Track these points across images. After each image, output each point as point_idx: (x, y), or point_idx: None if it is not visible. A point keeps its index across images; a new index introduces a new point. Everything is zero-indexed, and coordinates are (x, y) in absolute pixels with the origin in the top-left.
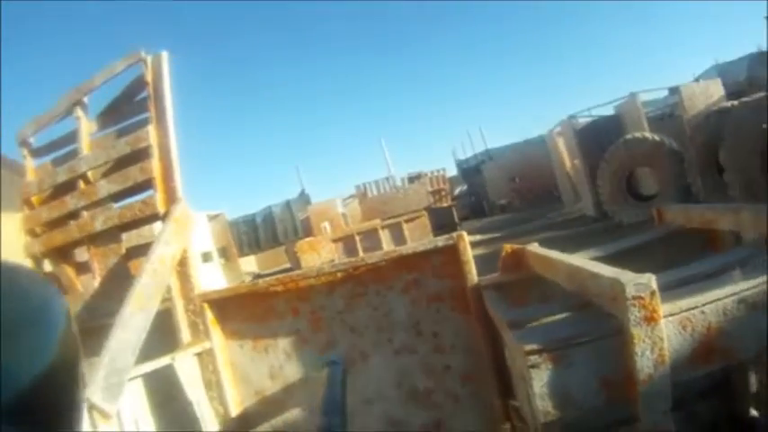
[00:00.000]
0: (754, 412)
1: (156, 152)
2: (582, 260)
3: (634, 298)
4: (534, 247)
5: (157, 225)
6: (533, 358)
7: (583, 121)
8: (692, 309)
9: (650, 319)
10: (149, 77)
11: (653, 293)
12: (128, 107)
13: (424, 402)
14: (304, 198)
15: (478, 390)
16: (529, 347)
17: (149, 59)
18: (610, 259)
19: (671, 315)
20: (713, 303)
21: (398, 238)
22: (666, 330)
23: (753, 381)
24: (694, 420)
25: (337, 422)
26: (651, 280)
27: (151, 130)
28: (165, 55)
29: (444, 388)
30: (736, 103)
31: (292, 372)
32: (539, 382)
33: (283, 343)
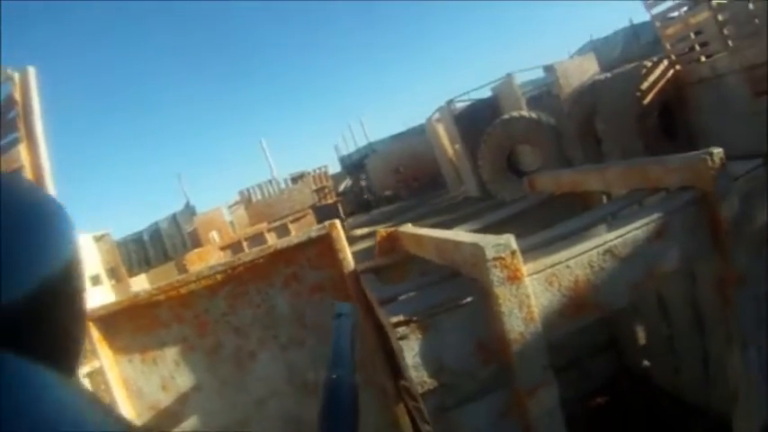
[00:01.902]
0: (645, 362)
1: (28, 173)
2: (448, 233)
3: (494, 259)
4: (407, 228)
5: None
6: (402, 330)
7: (461, 105)
8: (557, 264)
9: (514, 278)
10: (18, 95)
11: (513, 253)
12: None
13: (317, 394)
14: (190, 210)
15: (370, 375)
16: (396, 319)
17: (17, 77)
18: (485, 230)
19: (535, 273)
20: (578, 257)
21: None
22: (532, 288)
23: (641, 334)
24: (590, 377)
25: (344, 374)
26: (510, 240)
27: (22, 149)
28: (32, 71)
29: None
30: (608, 75)
31: (183, 380)
32: (410, 352)
33: (171, 352)
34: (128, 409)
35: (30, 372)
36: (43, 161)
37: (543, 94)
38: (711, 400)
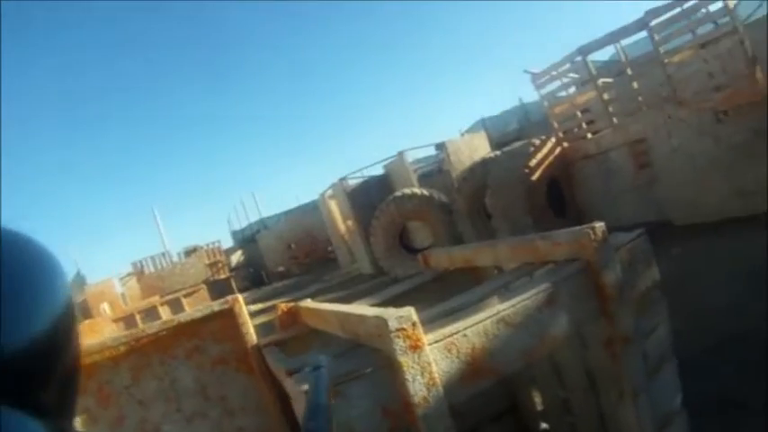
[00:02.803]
0: (544, 425)
1: None
2: (350, 307)
3: (397, 330)
4: (307, 303)
5: None
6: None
7: (354, 182)
8: (455, 333)
9: (415, 347)
10: None
11: (414, 324)
12: None
13: None
14: (80, 279)
15: None
16: (305, 388)
17: None
18: (383, 305)
19: (435, 342)
20: (474, 326)
21: (178, 312)
22: (433, 355)
23: (538, 399)
24: None
25: (320, 426)
26: (411, 312)
27: None
28: None
29: None
30: (498, 152)
31: None
32: None
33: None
34: None
35: (25, 426)
36: None
37: (434, 171)
38: None
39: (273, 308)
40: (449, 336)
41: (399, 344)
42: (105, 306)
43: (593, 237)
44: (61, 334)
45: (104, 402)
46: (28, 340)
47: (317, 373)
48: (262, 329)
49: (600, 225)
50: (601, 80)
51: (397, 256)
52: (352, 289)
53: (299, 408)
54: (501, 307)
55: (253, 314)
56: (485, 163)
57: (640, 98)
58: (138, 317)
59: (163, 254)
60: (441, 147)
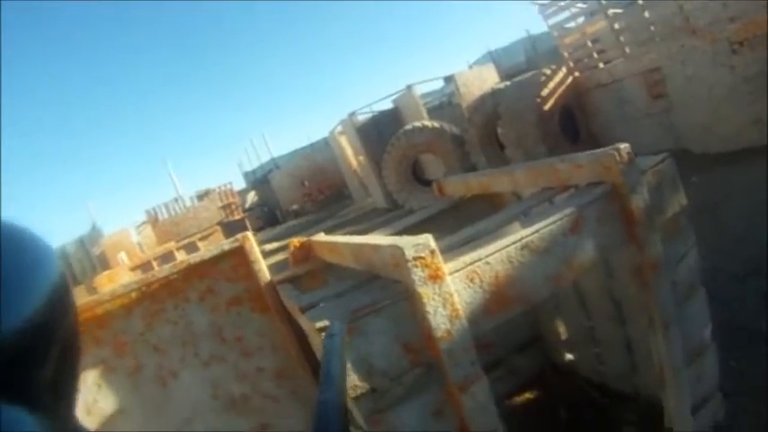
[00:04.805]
0: (569, 356)
1: None
2: (365, 238)
3: (415, 259)
4: (320, 237)
5: None
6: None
7: (363, 117)
8: (477, 261)
9: (435, 277)
10: None
11: (433, 252)
12: None
13: (244, 409)
14: (96, 232)
15: (295, 386)
16: (320, 324)
17: None
18: (399, 235)
19: (456, 271)
20: (496, 253)
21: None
22: (454, 285)
23: (563, 329)
24: (517, 373)
25: (333, 396)
26: (429, 239)
27: None
28: None
29: (261, 391)
30: (508, 83)
31: (107, 403)
32: None
33: (92, 375)
34: None
35: (21, 420)
36: None
37: (444, 104)
38: (639, 385)
39: (287, 246)
40: (470, 264)
41: (418, 273)
42: (123, 255)
43: (618, 159)
44: (53, 319)
45: (120, 351)
46: (15, 335)
47: (331, 341)
48: (278, 268)
49: (625, 146)
50: (610, 10)
51: (411, 189)
52: (367, 223)
53: (317, 344)
54: (524, 233)
55: (268, 253)
56: (495, 93)
57: (653, 28)
58: (154, 263)
59: (176, 199)
60: (449, 79)
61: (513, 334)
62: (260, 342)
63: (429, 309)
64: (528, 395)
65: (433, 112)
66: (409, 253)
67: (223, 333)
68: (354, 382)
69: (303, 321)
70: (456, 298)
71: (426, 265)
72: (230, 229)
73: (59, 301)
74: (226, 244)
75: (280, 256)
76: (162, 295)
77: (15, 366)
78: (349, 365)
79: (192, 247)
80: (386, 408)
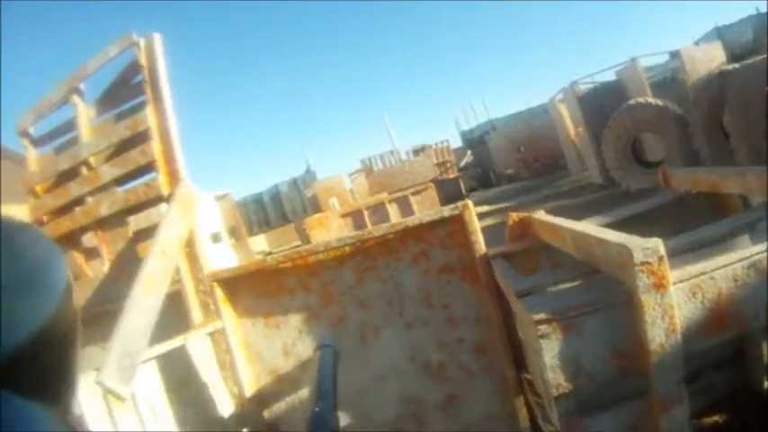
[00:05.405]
0: None
1: (155, 134)
2: (588, 226)
3: (642, 264)
4: (541, 215)
5: (163, 207)
6: (543, 328)
7: (584, 87)
8: (702, 274)
9: (660, 286)
10: (143, 60)
11: (661, 259)
12: (124, 91)
13: (438, 376)
14: (310, 175)
15: (492, 362)
16: (538, 317)
17: (142, 42)
18: (618, 225)
19: (680, 281)
20: (723, 269)
21: (406, 211)
22: (676, 297)
23: (766, 352)
24: (709, 392)
25: (326, 407)
26: (659, 245)
27: (149, 112)
28: (157, 37)
29: (457, 361)
30: (737, 65)
31: (305, 348)
32: (549, 352)
33: (295, 319)
34: (247, 371)
35: (25, 409)
36: (170, 123)
37: (667, 81)
38: None
39: (499, 211)
40: (695, 276)
41: (643, 279)
42: (334, 200)
43: None
44: (55, 327)
45: (327, 301)
46: (22, 337)
47: (323, 352)
48: (488, 233)
49: None
50: None
51: (629, 168)
52: (581, 198)
53: (527, 333)
54: (754, 250)
55: (479, 215)
56: (722, 75)
57: None
58: (365, 213)
59: (391, 152)
60: (675, 54)
61: (711, 349)
62: (465, 313)
63: (647, 318)
64: (717, 418)
65: (656, 87)
66: (638, 256)
67: (430, 298)
68: (559, 380)
69: (517, 306)
70: (676, 311)
71: (652, 272)
72: (443, 187)
73: (69, 304)
74: (446, 210)
75: (489, 221)
76: (375, 253)
77: (19, 367)
78: (557, 362)
79: (403, 201)
80: (584, 411)
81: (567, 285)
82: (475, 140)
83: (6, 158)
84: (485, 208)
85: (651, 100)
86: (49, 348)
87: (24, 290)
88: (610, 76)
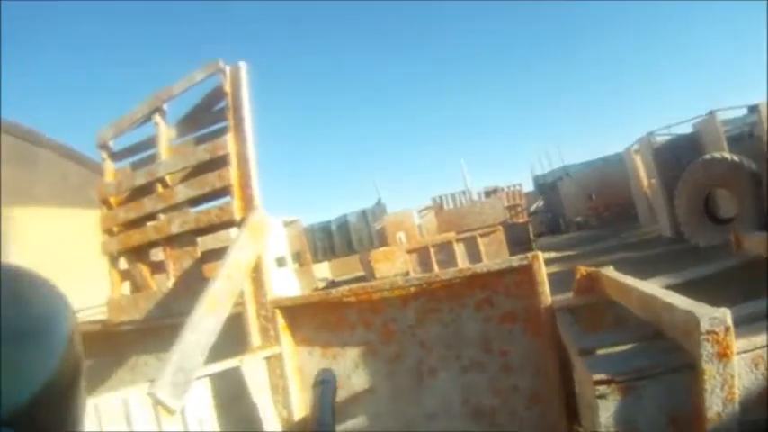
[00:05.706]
0: None
1: (234, 160)
2: (656, 288)
3: (708, 333)
4: (609, 271)
5: (233, 230)
6: (602, 388)
7: (661, 139)
8: (765, 346)
9: (723, 356)
10: (228, 87)
11: (728, 329)
12: (206, 116)
13: (488, 421)
14: (380, 207)
15: (544, 412)
16: (598, 377)
17: (228, 70)
18: (686, 286)
19: (744, 352)
20: None
21: (473, 251)
22: (738, 368)
23: None
24: None
25: None
26: (726, 315)
27: (229, 138)
28: (243, 66)
29: (510, 408)
30: None
31: (359, 382)
32: (605, 412)
33: (352, 352)
34: (298, 398)
35: None
36: (249, 151)
37: (744, 135)
38: None
39: (566, 258)
40: (759, 348)
41: (708, 349)
42: (401, 235)
43: None
44: (59, 379)
45: (386, 339)
46: (28, 398)
47: (323, 388)
48: (552, 281)
49: None
50: None
51: (700, 224)
52: (649, 251)
53: (586, 393)
54: None
55: (546, 262)
56: None
57: None
58: (431, 250)
59: (463, 192)
60: (753, 109)
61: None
62: (523, 362)
63: (707, 387)
64: None
65: (732, 141)
66: (704, 325)
67: (490, 345)
68: None
69: (577, 363)
70: (736, 381)
71: (717, 342)
72: (512, 230)
73: (73, 352)
74: (515, 259)
75: (555, 267)
76: (440, 296)
77: (34, 421)
78: (612, 422)
79: (471, 242)
80: None
81: (629, 347)
82: (547, 185)
83: (78, 162)
84: (552, 254)
85: (727, 155)
86: (52, 403)
87: (28, 341)
88: (686, 129)
